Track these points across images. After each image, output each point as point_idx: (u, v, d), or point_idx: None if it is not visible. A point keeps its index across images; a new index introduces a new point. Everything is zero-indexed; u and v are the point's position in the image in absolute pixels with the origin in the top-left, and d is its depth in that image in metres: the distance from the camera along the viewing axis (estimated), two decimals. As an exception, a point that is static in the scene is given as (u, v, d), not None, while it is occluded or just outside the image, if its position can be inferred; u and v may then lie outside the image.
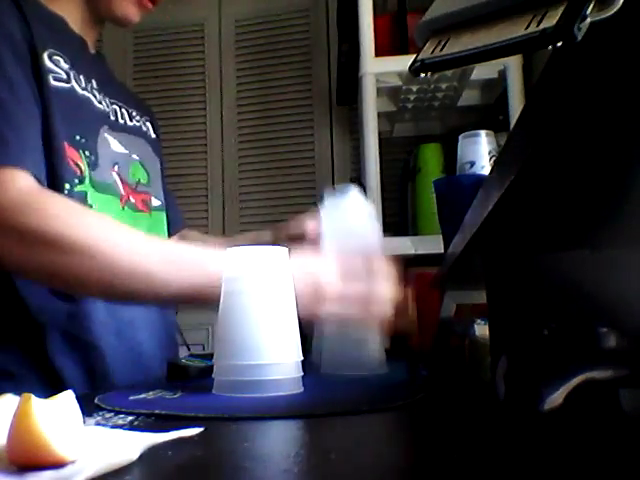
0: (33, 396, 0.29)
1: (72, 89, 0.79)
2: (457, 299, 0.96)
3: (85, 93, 0.82)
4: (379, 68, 1.45)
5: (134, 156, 0.90)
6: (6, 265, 0.68)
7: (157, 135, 1.03)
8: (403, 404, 0.50)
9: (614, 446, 0.33)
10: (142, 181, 0.92)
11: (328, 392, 0.61)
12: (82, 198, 0.77)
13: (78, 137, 0.78)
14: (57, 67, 0.78)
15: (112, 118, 0.88)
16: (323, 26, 2.06)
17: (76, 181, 0.77)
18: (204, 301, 0.66)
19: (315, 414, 0.46)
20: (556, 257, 0.51)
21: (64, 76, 0.78)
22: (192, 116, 2.10)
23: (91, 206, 0.78)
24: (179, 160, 2.00)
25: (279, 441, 0.40)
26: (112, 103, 0.89)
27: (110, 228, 0.69)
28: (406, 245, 1.39)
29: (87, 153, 0.79)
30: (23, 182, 0.67)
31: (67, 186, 0.75)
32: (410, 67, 0.34)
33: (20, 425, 0.28)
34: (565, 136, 0.27)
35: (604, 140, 0.29)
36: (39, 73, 0.75)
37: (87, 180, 0.78)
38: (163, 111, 1.98)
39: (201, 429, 0.36)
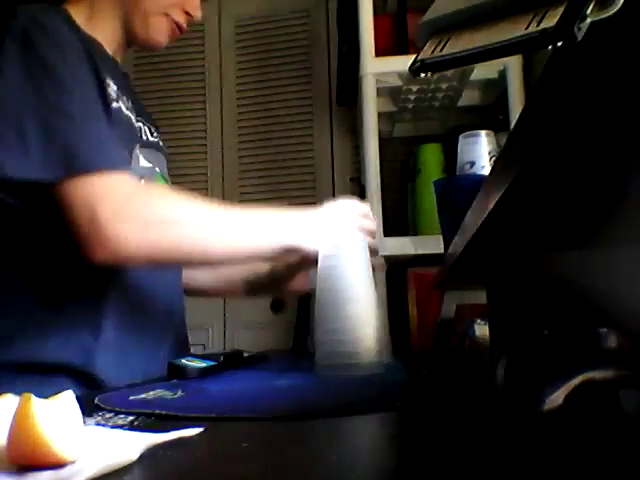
0: (33, 396, 0.29)
1: (121, 109, 0.84)
2: (457, 299, 0.96)
3: (128, 113, 0.87)
4: (379, 68, 1.45)
5: (157, 169, 0.94)
6: (127, 252, 0.74)
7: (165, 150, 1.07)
8: (403, 404, 0.50)
9: (614, 446, 0.33)
10: None
11: (328, 392, 0.61)
12: None
13: (129, 153, 0.85)
14: (111, 90, 0.83)
15: (141, 135, 0.93)
16: (323, 26, 2.06)
17: None
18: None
19: (315, 414, 0.46)
20: (556, 258, 0.51)
21: (115, 97, 0.83)
22: (192, 116, 2.10)
23: None
24: (179, 160, 2.00)
25: (279, 441, 0.40)
26: (138, 120, 0.93)
27: (202, 205, 0.80)
28: (406, 245, 1.39)
29: (129, 168, 0.84)
30: (128, 180, 0.76)
31: None
32: (410, 67, 0.34)
33: (20, 425, 0.28)
34: (565, 136, 0.27)
35: (604, 140, 0.29)
36: (105, 95, 0.80)
37: None
38: (163, 111, 1.98)
39: (201, 429, 0.36)
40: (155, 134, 0.99)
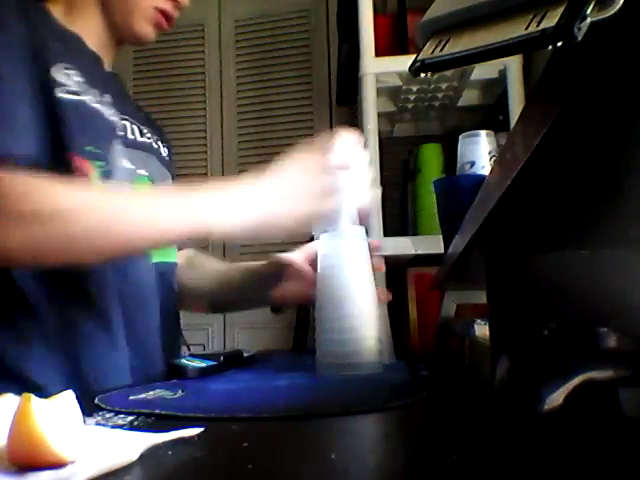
0: (33, 396, 0.29)
1: (83, 102, 0.80)
2: (457, 299, 0.96)
3: (97, 106, 0.83)
4: (379, 68, 1.45)
5: (141, 171, 0.90)
6: (8, 253, 0.66)
7: (170, 156, 1.04)
8: (403, 404, 0.50)
9: (614, 446, 0.33)
10: None
11: (328, 392, 0.61)
12: None
13: (90, 148, 0.79)
14: (69, 80, 0.79)
15: (121, 133, 0.88)
16: (323, 26, 2.06)
17: None
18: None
19: (315, 414, 0.46)
20: (556, 257, 0.51)
21: (75, 88, 0.79)
22: (192, 116, 2.10)
23: None
24: (179, 160, 1.99)
25: (279, 441, 0.40)
26: (123, 119, 0.90)
27: (91, 190, 0.70)
28: (406, 245, 1.39)
29: (101, 163, 0.80)
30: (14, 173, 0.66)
31: None
32: (410, 67, 0.34)
33: (20, 425, 0.28)
34: (565, 136, 0.27)
35: (604, 140, 0.29)
36: (47, 85, 0.76)
37: None
38: (163, 111, 1.98)
39: (201, 429, 0.36)
40: (148, 135, 0.96)
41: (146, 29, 0.89)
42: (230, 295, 1.04)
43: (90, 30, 0.88)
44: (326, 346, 0.73)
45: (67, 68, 0.79)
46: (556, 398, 0.36)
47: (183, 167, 2.03)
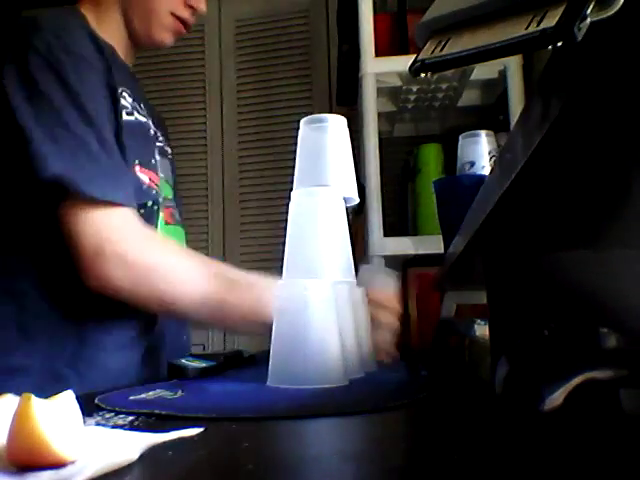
0: (33, 396, 0.29)
1: (137, 120, 0.85)
2: (457, 299, 0.96)
3: (144, 120, 0.88)
4: (379, 68, 1.45)
5: (161, 174, 0.94)
6: (116, 292, 0.78)
7: (172, 154, 1.06)
8: (403, 404, 0.50)
9: (614, 446, 0.33)
10: (168, 197, 0.96)
11: (328, 392, 0.61)
12: (154, 216, 0.86)
13: (153, 161, 0.87)
14: (126, 102, 0.83)
15: (159, 144, 0.94)
16: (323, 26, 2.06)
17: (160, 200, 0.86)
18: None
19: (315, 414, 0.46)
20: (556, 257, 0.51)
21: (130, 109, 0.84)
22: (192, 116, 2.10)
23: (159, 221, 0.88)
24: (179, 160, 1.99)
25: (279, 441, 0.40)
26: (154, 125, 0.94)
27: (186, 257, 0.82)
28: (406, 245, 1.39)
29: (160, 174, 0.88)
30: (128, 218, 0.78)
31: (149, 203, 0.84)
32: (410, 67, 0.34)
33: (20, 425, 0.28)
34: (565, 136, 0.27)
35: (604, 140, 0.29)
36: (116, 109, 0.81)
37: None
38: (163, 111, 1.97)
39: (201, 429, 0.36)
40: (162, 139, 0.98)
41: (164, 35, 0.91)
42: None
43: (117, 39, 0.90)
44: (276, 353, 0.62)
45: (124, 90, 0.83)
46: (556, 398, 0.36)
47: (183, 167, 2.03)
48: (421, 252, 1.36)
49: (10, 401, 0.34)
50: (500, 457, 0.33)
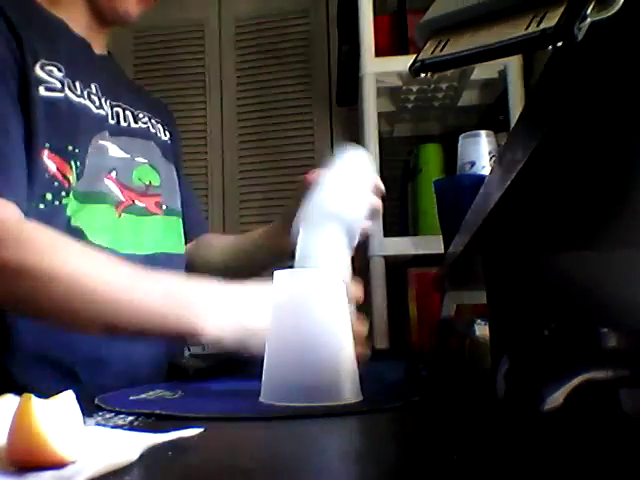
0: (33, 396, 0.29)
1: (65, 98, 0.78)
2: (457, 299, 0.96)
3: (81, 100, 0.80)
4: (379, 68, 1.45)
5: (140, 159, 0.89)
6: None
7: (173, 139, 1.01)
8: (403, 404, 0.50)
9: (614, 446, 0.33)
10: (154, 183, 0.90)
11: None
12: (60, 211, 0.75)
13: (71, 147, 0.77)
14: (50, 77, 0.77)
15: (112, 122, 0.86)
16: (323, 26, 2.06)
17: (63, 193, 0.75)
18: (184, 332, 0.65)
19: (315, 414, 0.46)
20: (556, 257, 0.51)
21: (57, 85, 0.77)
22: (192, 116, 2.10)
23: (69, 218, 0.76)
24: (179, 160, 2.00)
25: (279, 441, 0.40)
26: (115, 106, 0.88)
27: (90, 259, 0.68)
28: (406, 245, 1.39)
29: (77, 164, 0.78)
30: (7, 213, 0.67)
31: (49, 197, 0.74)
32: (410, 67, 0.34)
33: (20, 425, 0.28)
34: (565, 136, 0.27)
35: (604, 140, 0.29)
36: (27, 85, 0.74)
37: (71, 192, 0.77)
38: (163, 111, 1.98)
39: (201, 429, 0.36)
40: (145, 120, 0.93)
41: (129, 6, 0.86)
42: (247, 262, 0.99)
43: (75, 14, 0.86)
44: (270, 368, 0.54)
45: (48, 64, 0.77)
46: (556, 398, 0.36)
47: (183, 167, 2.04)
48: (421, 252, 1.36)
49: (10, 401, 0.34)
50: (500, 457, 0.33)
